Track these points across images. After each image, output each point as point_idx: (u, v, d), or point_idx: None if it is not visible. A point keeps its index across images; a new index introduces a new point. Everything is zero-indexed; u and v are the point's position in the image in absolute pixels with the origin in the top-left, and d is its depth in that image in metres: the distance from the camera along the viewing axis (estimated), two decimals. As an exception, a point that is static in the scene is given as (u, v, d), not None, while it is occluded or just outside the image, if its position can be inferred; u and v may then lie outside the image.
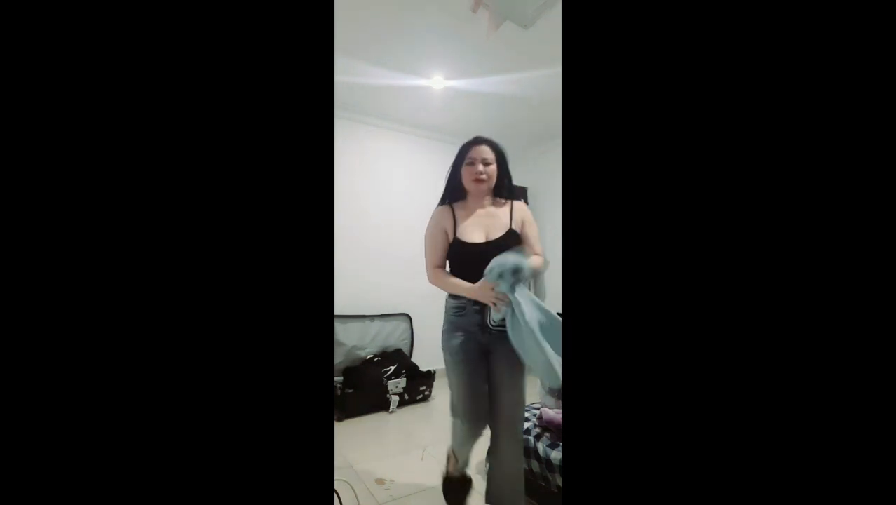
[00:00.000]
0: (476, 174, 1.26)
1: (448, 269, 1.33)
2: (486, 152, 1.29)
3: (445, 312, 1.33)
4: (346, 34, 2.14)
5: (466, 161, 1.28)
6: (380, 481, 1.77)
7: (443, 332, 1.32)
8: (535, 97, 2.82)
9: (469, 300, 1.25)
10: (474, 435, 1.30)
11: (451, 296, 1.30)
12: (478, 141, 1.30)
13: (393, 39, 2.25)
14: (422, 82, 2.70)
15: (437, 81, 2.69)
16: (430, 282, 1.35)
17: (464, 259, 1.26)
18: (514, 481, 1.28)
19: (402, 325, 3.24)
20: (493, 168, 1.29)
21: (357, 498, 1.62)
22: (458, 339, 1.26)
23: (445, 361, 1.31)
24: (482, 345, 1.26)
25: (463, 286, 1.23)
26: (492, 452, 1.33)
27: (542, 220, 3.94)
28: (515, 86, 2.69)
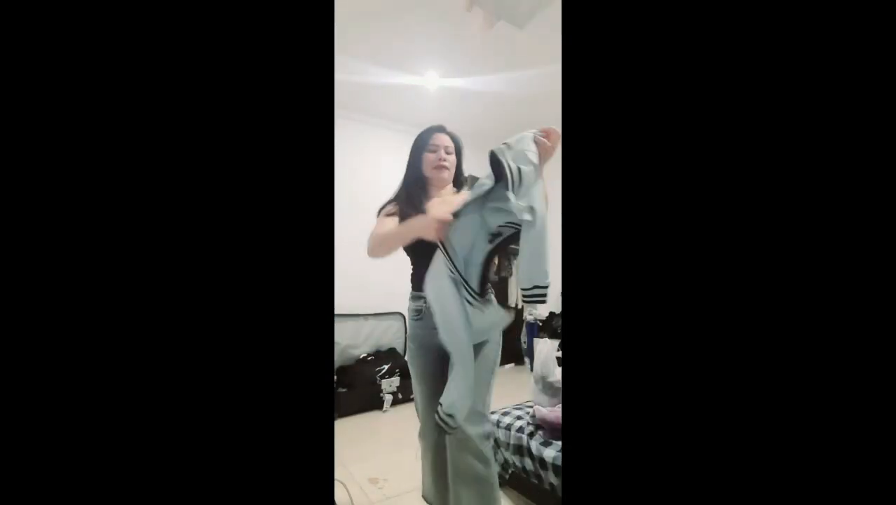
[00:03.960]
0: (439, 160, 1.17)
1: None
2: (448, 140, 1.20)
3: (408, 314, 1.22)
4: (340, 32, 2.13)
5: (428, 148, 1.19)
6: (373, 480, 1.76)
7: (409, 336, 1.23)
8: (529, 95, 2.82)
9: (424, 300, 1.11)
10: (441, 443, 1.17)
11: (411, 297, 1.19)
12: (439, 129, 1.22)
13: (387, 38, 2.24)
14: (416, 80, 2.69)
15: (432, 80, 2.69)
16: (374, 252, 1.13)
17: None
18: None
19: (396, 324, 3.23)
20: (454, 158, 1.21)
21: (350, 497, 1.61)
22: (420, 348, 1.17)
23: (411, 368, 1.22)
24: (444, 350, 1.09)
25: (412, 224, 1.04)
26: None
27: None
28: (509, 84, 2.69)
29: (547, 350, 1.65)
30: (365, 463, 1.93)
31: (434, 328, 1.06)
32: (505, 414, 1.67)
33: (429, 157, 1.19)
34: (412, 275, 1.22)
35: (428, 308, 1.09)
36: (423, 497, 1.38)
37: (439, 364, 1.14)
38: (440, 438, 1.17)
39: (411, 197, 1.19)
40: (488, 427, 1.15)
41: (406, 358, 1.30)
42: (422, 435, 1.26)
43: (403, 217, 1.14)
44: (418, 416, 1.28)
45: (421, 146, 1.20)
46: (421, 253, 1.10)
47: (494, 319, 1.11)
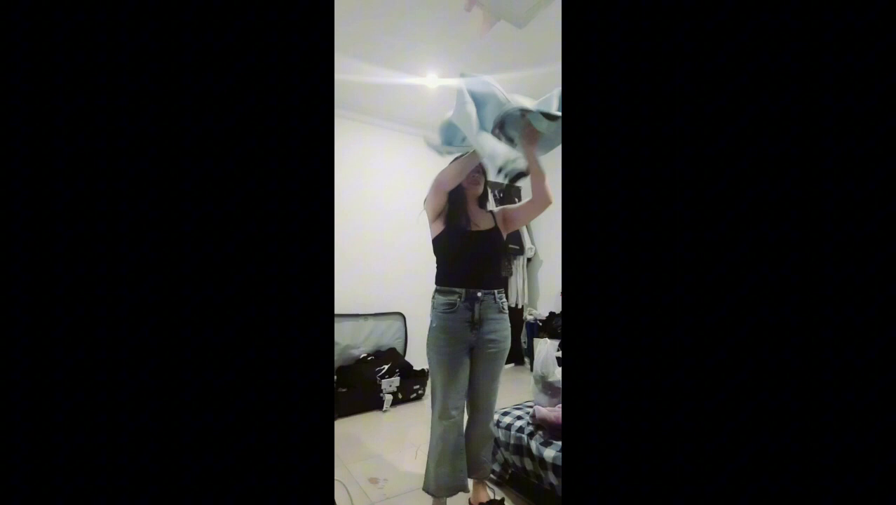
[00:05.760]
0: (474, 180, 1.46)
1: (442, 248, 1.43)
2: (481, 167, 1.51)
3: (434, 308, 1.40)
4: (341, 32, 2.13)
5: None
6: (373, 480, 1.76)
7: (431, 328, 1.40)
8: (529, 96, 2.81)
9: (459, 296, 1.34)
10: (456, 431, 1.38)
11: (440, 291, 1.39)
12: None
13: (387, 38, 2.24)
14: (416, 81, 2.69)
15: (432, 80, 2.69)
16: (438, 193, 1.39)
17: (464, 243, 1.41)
18: (486, 451, 1.50)
19: (396, 323, 3.23)
20: (483, 178, 1.49)
21: (350, 497, 1.61)
22: (446, 339, 1.35)
23: (430, 358, 1.40)
24: (469, 343, 1.38)
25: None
26: (468, 428, 1.50)
27: (536, 219, 3.95)
28: (509, 85, 2.68)
29: (547, 350, 1.65)
30: (365, 463, 1.93)
31: (468, 321, 1.34)
32: (505, 414, 1.67)
33: (471, 176, 1.48)
34: (437, 274, 1.43)
35: (461, 301, 1.35)
36: (427, 490, 1.42)
37: (465, 353, 1.37)
38: (459, 419, 1.38)
39: (454, 196, 1.47)
40: None
41: (429, 348, 1.41)
42: (442, 417, 1.37)
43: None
44: (435, 403, 1.39)
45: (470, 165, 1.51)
46: (447, 251, 1.40)
47: None
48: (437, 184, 1.39)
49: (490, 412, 1.49)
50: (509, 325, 1.46)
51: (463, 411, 1.41)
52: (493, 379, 1.44)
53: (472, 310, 1.35)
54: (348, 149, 3.19)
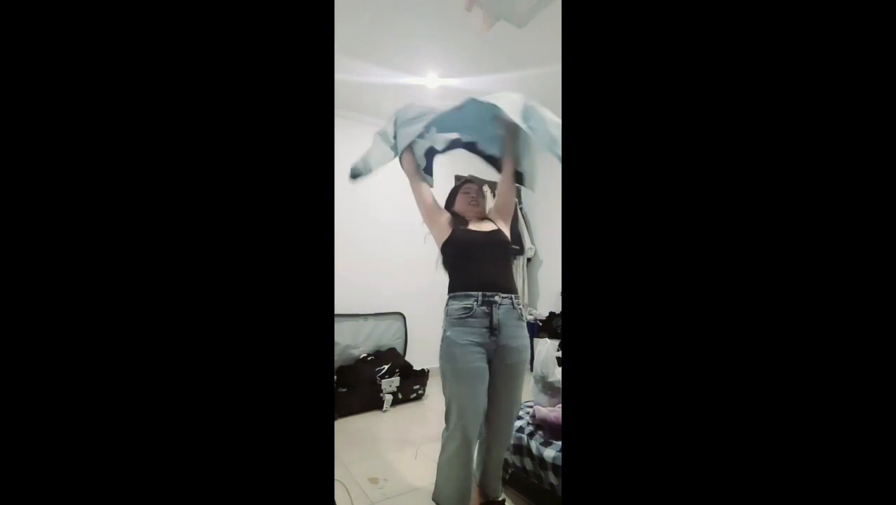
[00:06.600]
0: (475, 201, 1.52)
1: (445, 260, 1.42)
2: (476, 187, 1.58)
3: (447, 315, 1.30)
4: (340, 32, 2.13)
5: (462, 191, 1.54)
6: (373, 480, 1.76)
7: (444, 337, 1.29)
8: (529, 96, 2.81)
9: (476, 299, 1.26)
10: (469, 449, 1.27)
11: (455, 297, 1.30)
12: (469, 179, 1.60)
13: (387, 38, 2.25)
14: (416, 80, 2.70)
15: (432, 80, 2.69)
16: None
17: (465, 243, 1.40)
18: (498, 469, 1.45)
19: (396, 323, 3.23)
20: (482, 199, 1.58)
21: (350, 497, 1.61)
22: (462, 346, 1.25)
23: (444, 370, 1.28)
24: (487, 351, 1.27)
25: None
26: (483, 445, 1.40)
27: (536, 219, 3.95)
28: (509, 85, 2.69)
29: (547, 350, 1.65)
30: (365, 463, 1.93)
31: (486, 326, 1.25)
32: (505, 414, 1.67)
33: (462, 197, 1.53)
34: (450, 283, 1.36)
35: (478, 305, 1.26)
36: (436, 500, 1.35)
37: (483, 363, 1.26)
38: (475, 438, 1.27)
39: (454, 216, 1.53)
40: None
41: (442, 360, 1.29)
42: (456, 433, 1.25)
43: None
44: (450, 418, 1.27)
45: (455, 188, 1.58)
46: (457, 256, 1.35)
47: None
48: (426, 212, 1.45)
49: (510, 431, 1.39)
50: (528, 334, 1.36)
51: (480, 428, 1.30)
52: (513, 395, 1.33)
53: (490, 314, 1.26)
54: (348, 149, 3.18)
